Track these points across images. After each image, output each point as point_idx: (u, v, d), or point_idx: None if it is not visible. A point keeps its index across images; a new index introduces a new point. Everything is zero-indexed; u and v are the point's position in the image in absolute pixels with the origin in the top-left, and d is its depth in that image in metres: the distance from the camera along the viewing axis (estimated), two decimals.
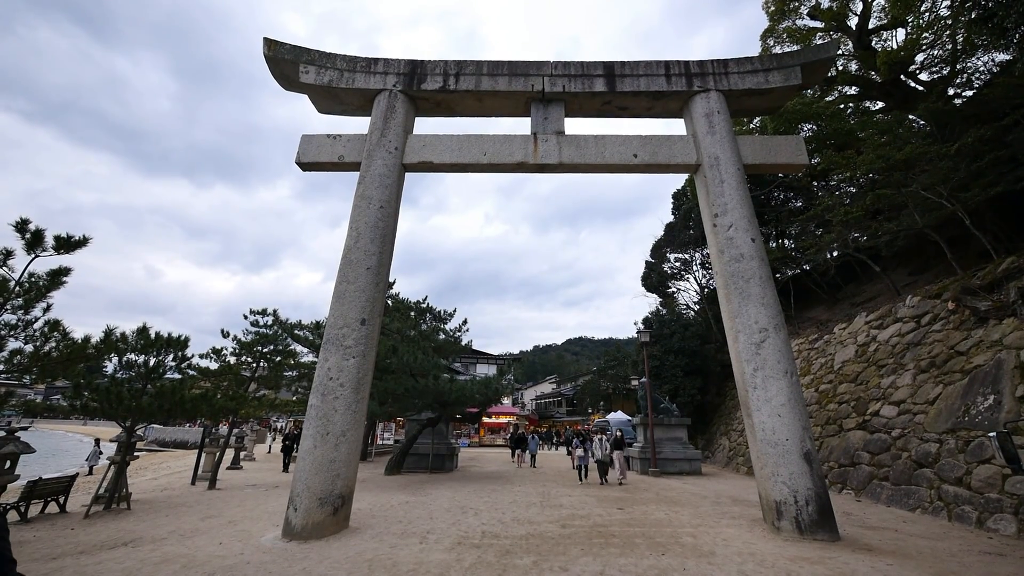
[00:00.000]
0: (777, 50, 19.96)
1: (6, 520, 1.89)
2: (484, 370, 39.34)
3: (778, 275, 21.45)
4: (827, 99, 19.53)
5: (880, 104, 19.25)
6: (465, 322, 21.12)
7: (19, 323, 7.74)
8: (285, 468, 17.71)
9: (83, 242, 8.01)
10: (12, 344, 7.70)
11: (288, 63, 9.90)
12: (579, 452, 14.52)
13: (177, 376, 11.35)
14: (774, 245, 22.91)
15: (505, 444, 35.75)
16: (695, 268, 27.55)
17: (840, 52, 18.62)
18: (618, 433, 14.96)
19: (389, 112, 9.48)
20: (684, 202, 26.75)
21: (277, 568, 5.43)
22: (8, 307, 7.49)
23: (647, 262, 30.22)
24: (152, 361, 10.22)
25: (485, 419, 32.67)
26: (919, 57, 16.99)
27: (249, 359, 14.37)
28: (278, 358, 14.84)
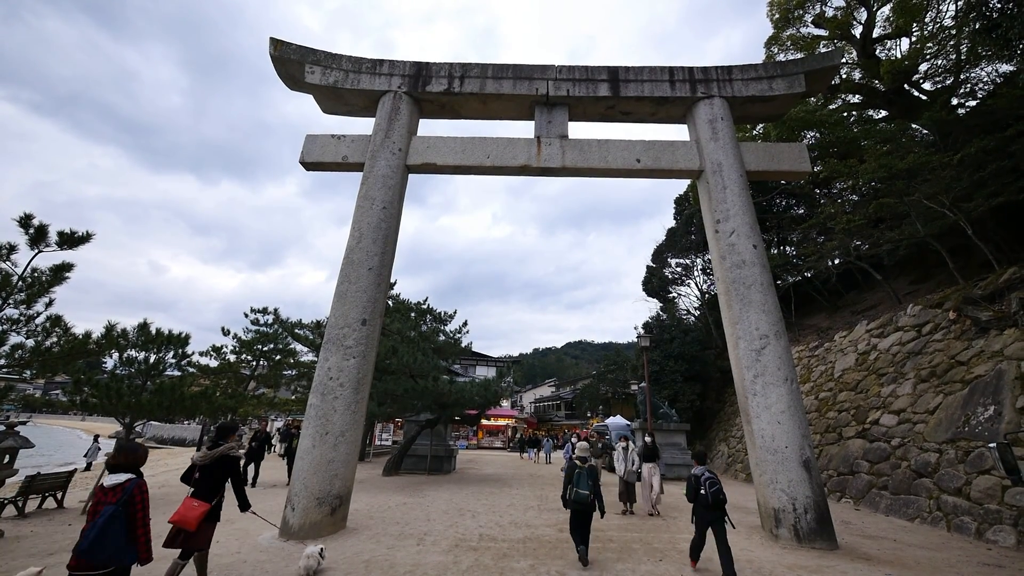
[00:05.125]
0: (781, 57, 20.01)
1: None
2: (483, 372, 39.31)
3: (779, 282, 21.45)
4: (830, 107, 19.57)
5: (883, 113, 19.26)
6: (465, 324, 21.09)
7: (21, 318, 7.77)
8: (252, 482, 11.93)
9: (86, 238, 8.05)
10: (13, 339, 7.73)
11: (294, 63, 9.95)
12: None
13: (177, 373, 11.37)
14: (775, 252, 22.90)
15: (504, 447, 36.15)
16: (696, 273, 27.55)
17: (844, 60, 18.64)
18: (647, 440, 10.25)
19: (393, 113, 9.51)
20: (686, 207, 26.76)
21: (273, 568, 5.42)
22: (11, 302, 7.52)
23: (648, 267, 30.24)
24: (152, 358, 10.26)
25: (484, 421, 32.62)
26: (923, 67, 17.01)
27: (249, 357, 14.40)
28: (278, 357, 14.88)
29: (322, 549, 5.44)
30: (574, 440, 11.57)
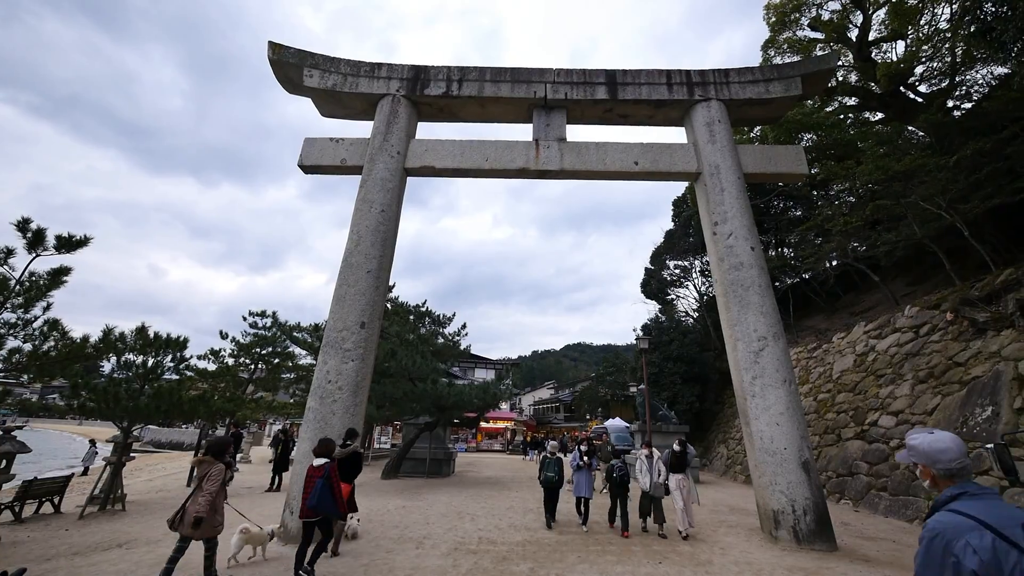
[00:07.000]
0: (777, 60, 20.08)
1: None
2: (483, 375, 39.27)
3: (777, 284, 21.51)
4: (827, 109, 19.65)
5: (880, 115, 19.36)
6: (464, 326, 21.08)
7: (19, 322, 7.75)
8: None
9: (84, 242, 8.03)
10: (11, 343, 7.70)
11: (292, 67, 9.97)
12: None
13: (175, 377, 11.33)
14: (773, 254, 22.98)
15: (503, 449, 36.13)
16: (694, 275, 27.64)
17: (840, 63, 18.74)
18: (675, 448, 8.26)
19: (392, 117, 9.54)
20: (684, 209, 26.84)
21: (271, 572, 5.41)
22: (8, 306, 7.50)
23: (647, 269, 30.32)
24: (150, 361, 10.21)
25: (483, 424, 32.59)
26: (918, 69, 17.12)
27: (247, 361, 14.36)
28: (276, 360, 14.82)
29: (359, 519, 7.06)
30: (582, 447, 10.43)
